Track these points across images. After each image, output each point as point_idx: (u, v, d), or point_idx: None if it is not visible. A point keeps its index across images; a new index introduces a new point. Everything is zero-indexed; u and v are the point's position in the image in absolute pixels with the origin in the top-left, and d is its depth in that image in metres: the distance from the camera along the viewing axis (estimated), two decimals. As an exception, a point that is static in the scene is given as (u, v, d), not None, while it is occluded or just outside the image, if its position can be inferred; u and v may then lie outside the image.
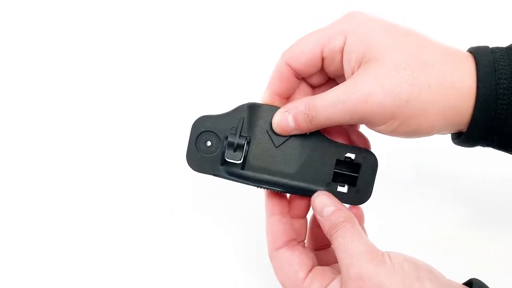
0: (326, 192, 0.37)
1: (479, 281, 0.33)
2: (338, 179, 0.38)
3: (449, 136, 0.38)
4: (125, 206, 0.52)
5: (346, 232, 0.34)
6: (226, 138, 0.37)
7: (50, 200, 0.51)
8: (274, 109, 0.38)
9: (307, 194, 0.38)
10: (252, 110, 0.38)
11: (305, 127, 0.36)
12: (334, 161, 0.38)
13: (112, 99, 0.55)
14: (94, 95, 0.54)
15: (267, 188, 0.37)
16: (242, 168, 0.38)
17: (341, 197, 0.38)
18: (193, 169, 0.38)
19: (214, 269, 0.49)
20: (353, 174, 0.38)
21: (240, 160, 0.37)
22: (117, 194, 0.52)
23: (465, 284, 0.33)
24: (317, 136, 0.38)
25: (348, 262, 0.33)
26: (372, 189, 0.38)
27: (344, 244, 0.34)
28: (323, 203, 0.37)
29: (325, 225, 0.36)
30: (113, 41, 0.55)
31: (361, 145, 0.39)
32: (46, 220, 0.50)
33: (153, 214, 0.51)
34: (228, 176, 0.38)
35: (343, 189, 0.38)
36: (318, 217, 0.37)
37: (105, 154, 0.53)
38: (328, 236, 0.36)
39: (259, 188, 0.38)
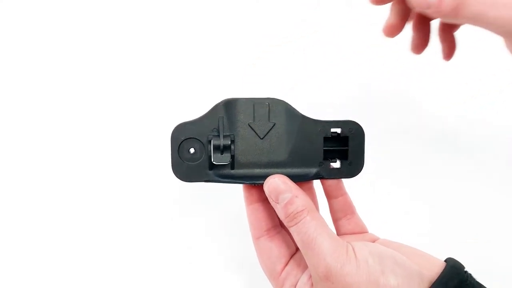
0: (280, 176, 0.35)
1: (453, 260, 0.33)
2: (329, 156, 0.38)
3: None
4: (118, 207, 0.51)
5: (308, 227, 0.33)
6: (210, 141, 0.36)
7: (42, 202, 0.51)
8: (250, 101, 0.37)
9: (303, 179, 0.37)
10: (229, 107, 0.36)
11: (446, 10, 0.29)
12: (322, 140, 0.37)
13: (101, 103, 0.52)
14: (85, 99, 0.52)
15: (261, 183, 0.36)
16: (232, 168, 0.37)
17: (335, 173, 0.38)
18: (181, 180, 0.37)
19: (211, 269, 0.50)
20: (343, 148, 0.38)
21: (229, 161, 0.36)
22: (109, 196, 0.51)
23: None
24: (301, 118, 0.37)
25: (315, 262, 0.32)
26: (364, 158, 0.38)
27: (308, 241, 0.32)
28: (278, 190, 0.34)
29: (281, 214, 0.34)
30: (98, 47, 0.52)
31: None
32: (37, 220, 0.50)
33: (149, 215, 0.51)
34: (219, 179, 0.37)
35: (336, 164, 0.38)
36: (273, 203, 0.35)
37: (94, 156, 0.52)
38: (285, 224, 0.34)
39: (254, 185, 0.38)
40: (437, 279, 0.31)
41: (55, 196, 0.51)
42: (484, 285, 0.32)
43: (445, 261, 0.33)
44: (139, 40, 0.52)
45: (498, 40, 0.31)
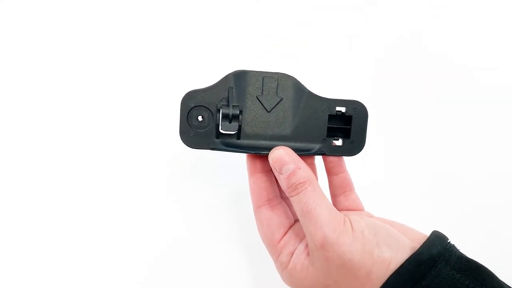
0: (284, 148, 0.36)
1: (437, 231, 0.35)
2: (332, 133, 0.39)
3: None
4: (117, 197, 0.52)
5: (309, 197, 0.34)
6: (219, 110, 0.37)
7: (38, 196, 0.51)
8: (260, 73, 0.38)
9: (305, 153, 0.38)
10: (238, 78, 0.37)
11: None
12: (327, 117, 0.38)
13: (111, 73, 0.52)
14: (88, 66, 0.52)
15: (266, 154, 0.38)
16: (238, 138, 0.38)
17: (337, 150, 0.39)
18: (188, 146, 0.38)
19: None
20: (346, 127, 0.39)
21: (236, 130, 0.37)
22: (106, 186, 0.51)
23: None
24: (308, 95, 0.38)
25: (312, 230, 0.33)
26: (365, 137, 0.39)
27: (307, 211, 0.34)
28: (282, 161, 0.35)
29: (283, 184, 0.35)
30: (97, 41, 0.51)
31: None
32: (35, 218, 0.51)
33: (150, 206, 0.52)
34: (225, 148, 0.38)
35: (338, 142, 0.39)
36: (277, 174, 0.36)
37: (93, 141, 0.51)
38: (287, 194, 0.36)
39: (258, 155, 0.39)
40: (420, 246, 0.33)
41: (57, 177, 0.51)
42: (469, 257, 0.33)
43: (430, 233, 0.35)
44: (135, 43, 0.52)
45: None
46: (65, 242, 0.50)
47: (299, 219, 0.35)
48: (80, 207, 0.51)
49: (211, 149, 0.38)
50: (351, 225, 0.34)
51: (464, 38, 0.55)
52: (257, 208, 0.39)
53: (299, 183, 0.35)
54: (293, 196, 0.35)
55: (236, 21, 0.52)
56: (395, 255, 0.32)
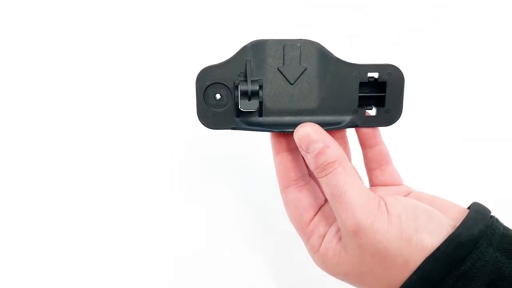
0: (311, 124, 0.33)
1: (478, 204, 0.31)
2: (365, 102, 0.35)
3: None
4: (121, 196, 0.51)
5: (339, 179, 0.31)
6: (237, 86, 0.34)
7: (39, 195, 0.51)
8: (281, 42, 0.34)
9: (336, 127, 0.35)
10: (257, 50, 0.34)
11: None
12: (357, 85, 0.34)
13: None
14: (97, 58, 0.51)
15: (291, 132, 0.34)
16: (260, 115, 0.35)
17: (371, 120, 0.35)
18: (208, 127, 0.35)
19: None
20: (380, 94, 0.35)
21: (257, 108, 0.34)
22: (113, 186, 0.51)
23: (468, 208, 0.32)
24: (335, 62, 0.34)
25: (343, 215, 0.30)
26: (402, 105, 0.35)
27: (338, 194, 0.30)
28: (309, 138, 0.32)
29: (311, 164, 0.32)
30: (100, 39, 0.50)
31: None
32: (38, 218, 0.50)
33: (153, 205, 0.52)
34: (247, 127, 0.35)
35: (372, 112, 0.36)
36: (303, 153, 0.32)
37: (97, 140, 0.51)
38: (315, 175, 0.32)
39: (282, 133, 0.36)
40: (459, 226, 0.29)
41: (61, 171, 0.51)
42: None
43: (470, 206, 0.31)
44: (135, 42, 0.50)
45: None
46: (84, 251, 0.50)
47: (330, 202, 0.32)
48: (98, 211, 0.51)
49: (232, 129, 0.35)
50: (387, 209, 0.30)
51: (464, 38, 0.52)
52: (283, 188, 0.36)
53: (328, 163, 0.31)
54: (322, 178, 0.32)
55: (236, 21, 0.50)
56: (436, 241, 0.29)
